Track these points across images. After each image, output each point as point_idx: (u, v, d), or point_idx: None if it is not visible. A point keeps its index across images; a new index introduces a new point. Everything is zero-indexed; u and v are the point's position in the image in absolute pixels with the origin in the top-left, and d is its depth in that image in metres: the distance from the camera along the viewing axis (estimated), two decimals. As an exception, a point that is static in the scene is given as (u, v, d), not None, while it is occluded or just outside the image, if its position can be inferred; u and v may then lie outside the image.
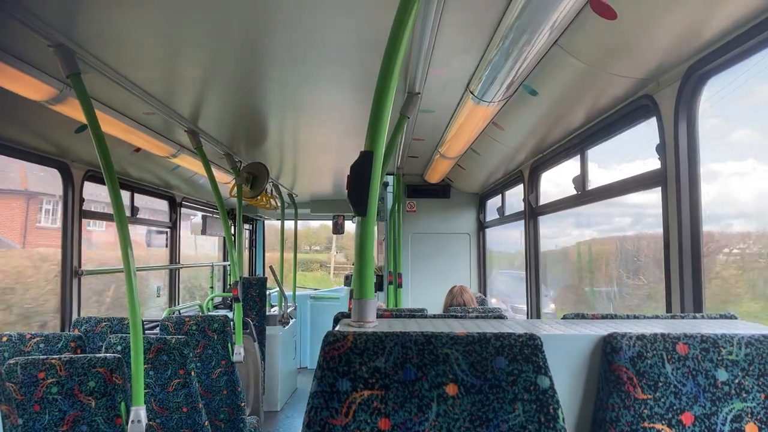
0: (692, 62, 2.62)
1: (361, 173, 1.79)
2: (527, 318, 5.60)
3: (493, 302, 7.70)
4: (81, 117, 3.96)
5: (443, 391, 1.43)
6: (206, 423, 4.12)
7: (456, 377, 1.43)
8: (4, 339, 3.83)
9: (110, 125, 4.41)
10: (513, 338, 1.46)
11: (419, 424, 1.42)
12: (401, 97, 3.72)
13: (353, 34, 3.04)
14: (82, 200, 5.19)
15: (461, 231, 7.95)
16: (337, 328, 1.61)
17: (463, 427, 1.42)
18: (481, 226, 7.90)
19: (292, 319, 9.43)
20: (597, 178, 4.03)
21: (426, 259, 7.88)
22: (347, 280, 11.51)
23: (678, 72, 2.72)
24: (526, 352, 1.45)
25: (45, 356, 3.11)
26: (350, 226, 11.72)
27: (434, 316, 2.14)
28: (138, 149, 5.45)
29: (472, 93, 3.57)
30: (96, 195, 5.81)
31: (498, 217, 6.97)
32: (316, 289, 12.79)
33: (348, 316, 2.02)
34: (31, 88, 3.48)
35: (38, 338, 3.86)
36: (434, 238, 7.93)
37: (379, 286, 6.71)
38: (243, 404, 5.09)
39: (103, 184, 5.37)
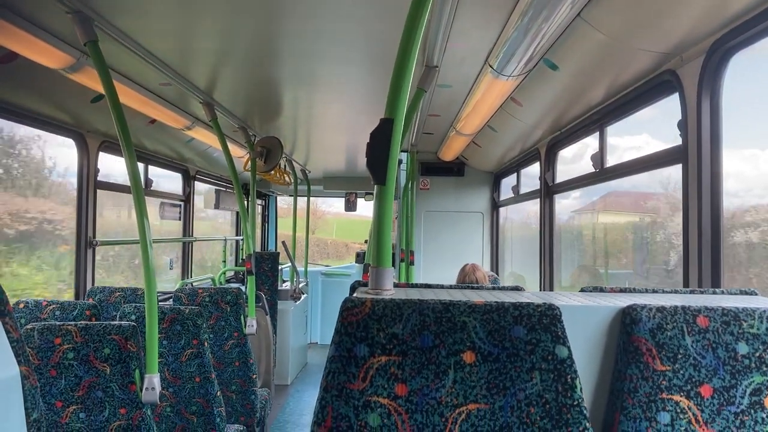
0: (717, 36, 2.56)
1: (381, 140, 1.77)
2: (540, 291, 5.59)
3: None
4: (97, 86, 3.96)
5: (460, 359, 1.42)
6: (218, 393, 4.16)
7: (473, 345, 1.43)
8: (21, 306, 3.87)
9: (126, 95, 4.41)
10: (531, 308, 1.45)
11: (436, 390, 1.41)
12: (419, 70, 3.68)
13: (370, 8, 3.00)
14: (96, 170, 5.21)
15: (475, 210, 7.92)
16: (354, 295, 1.60)
17: (480, 395, 1.41)
18: (495, 205, 7.87)
19: (303, 294, 9.48)
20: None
21: (438, 237, 7.87)
22: (359, 257, 11.55)
23: (703, 47, 2.67)
24: (545, 321, 1.43)
25: (61, 322, 3.14)
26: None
27: (451, 287, 2.13)
28: (153, 121, 5.45)
29: (491, 67, 3.53)
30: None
31: (512, 195, 6.94)
32: (327, 266, 12.84)
33: (364, 285, 2.02)
34: (48, 55, 3.48)
35: (54, 306, 3.90)
36: (447, 216, 7.91)
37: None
38: (254, 376, 5.13)
39: (118, 155, 5.42)
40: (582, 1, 2.55)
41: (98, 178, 5.25)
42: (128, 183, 3.35)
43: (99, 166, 5.27)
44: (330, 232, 26.89)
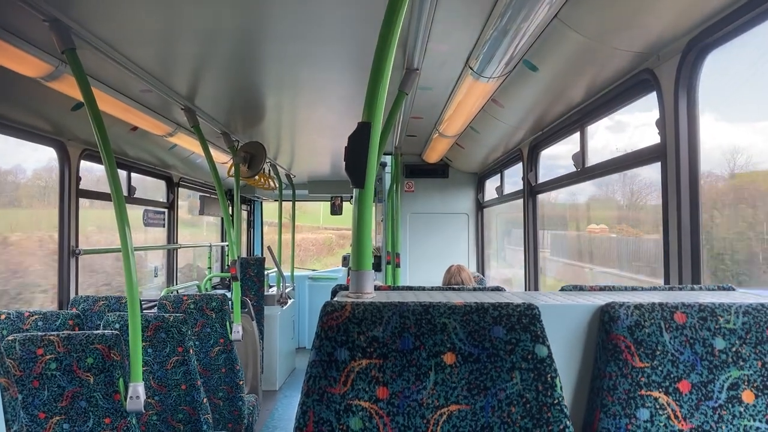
0: (693, 35, 2.59)
1: (358, 144, 1.77)
2: (525, 290, 5.62)
3: None
4: (77, 94, 3.93)
5: (441, 360, 1.43)
6: (205, 400, 4.14)
7: (454, 346, 1.43)
8: (2, 317, 3.84)
9: (106, 103, 4.38)
10: (511, 308, 1.46)
11: (417, 392, 1.42)
12: (399, 73, 3.69)
13: (352, 10, 3.00)
14: (78, 179, 5.17)
15: (460, 211, 7.95)
16: (334, 299, 1.60)
17: (461, 396, 1.42)
18: (480, 206, 7.90)
19: (290, 299, 9.46)
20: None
21: (424, 239, 7.88)
22: (345, 260, 11.56)
23: (679, 45, 2.69)
24: (524, 321, 1.44)
25: (43, 333, 3.11)
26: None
27: (432, 289, 2.14)
28: (135, 128, 5.42)
29: (471, 69, 3.55)
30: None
31: (497, 196, 6.96)
32: (314, 270, 12.83)
33: (346, 288, 2.02)
34: (25, 63, 3.45)
35: (36, 316, 3.86)
36: (432, 218, 7.93)
37: (377, 266, 6.72)
38: (241, 382, 5.11)
39: (100, 163, 5.38)
40: (559, 2, 2.57)
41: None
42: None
43: (93, 174, 5.25)
44: (317, 219, 23.81)
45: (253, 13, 3.07)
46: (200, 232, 10.57)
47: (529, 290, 5.55)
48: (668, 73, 2.80)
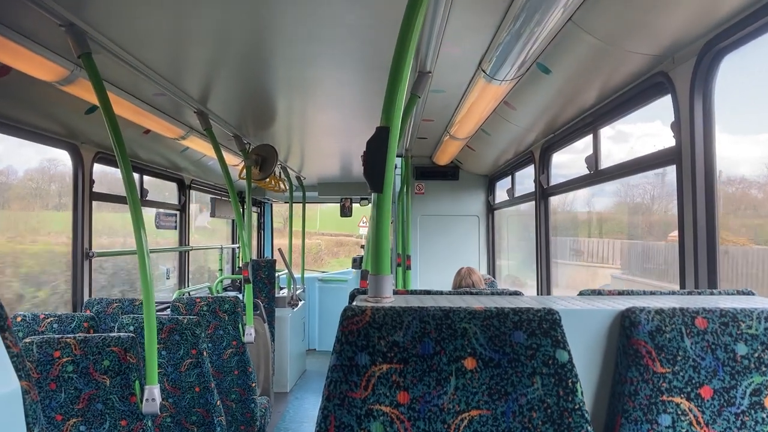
0: (709, 38, 2.58)
1: (377, 149, 1.78)
2: (537, 294, 5.59)
3: None
4: (91, 98, 3.96)
5: (461, 365, 1.43)
6: (218, 402, 4.15)
7: (474, 351, 1.43)
8: (19, 319, 3.87)
9: (120, 106, 4.41)
10: (531, 313, 1.46)
11: (438, 397, 1.42)
12: (412, 76, 3.70)
13: (363, 12, 3.01)
14: (92, 182, 5.21)
15: (470, 213, 7.94)
16: (354, 304, 1.61)
17: (481, 401, 1.42)
18: (491, 208, 7.89)
19: (301, 301, 9.48)
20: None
21: (435, 242, 7.88)
22: (355, 262, 11.56)
23: (694, 48, 2.69)
24: (545, 326, 1.44)
25: (60, 335, 3.13)
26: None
27: (450, 293, 2.14)
28: (147, 131, 5.45)
29: (484, 71, 3.55)
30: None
31: (507, 198, 6.95)
32: (324, 272, 12.85)
33: (363, 293, 2.02)
34: (42, 68, 3.48)
35: (52, 318, 3.89)
36: (443, 220, 7.93)
37: None
38: (254, 384, 5.12)
39: (113, 166, 5.41)
40: (574, 6, 2.57)
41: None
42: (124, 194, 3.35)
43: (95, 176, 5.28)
44: (312, 224, 22.80)
45: (265, 17, 3.08)
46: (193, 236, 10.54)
47: (541, 295, 5.53)
48: (683, 75, 2.80)
